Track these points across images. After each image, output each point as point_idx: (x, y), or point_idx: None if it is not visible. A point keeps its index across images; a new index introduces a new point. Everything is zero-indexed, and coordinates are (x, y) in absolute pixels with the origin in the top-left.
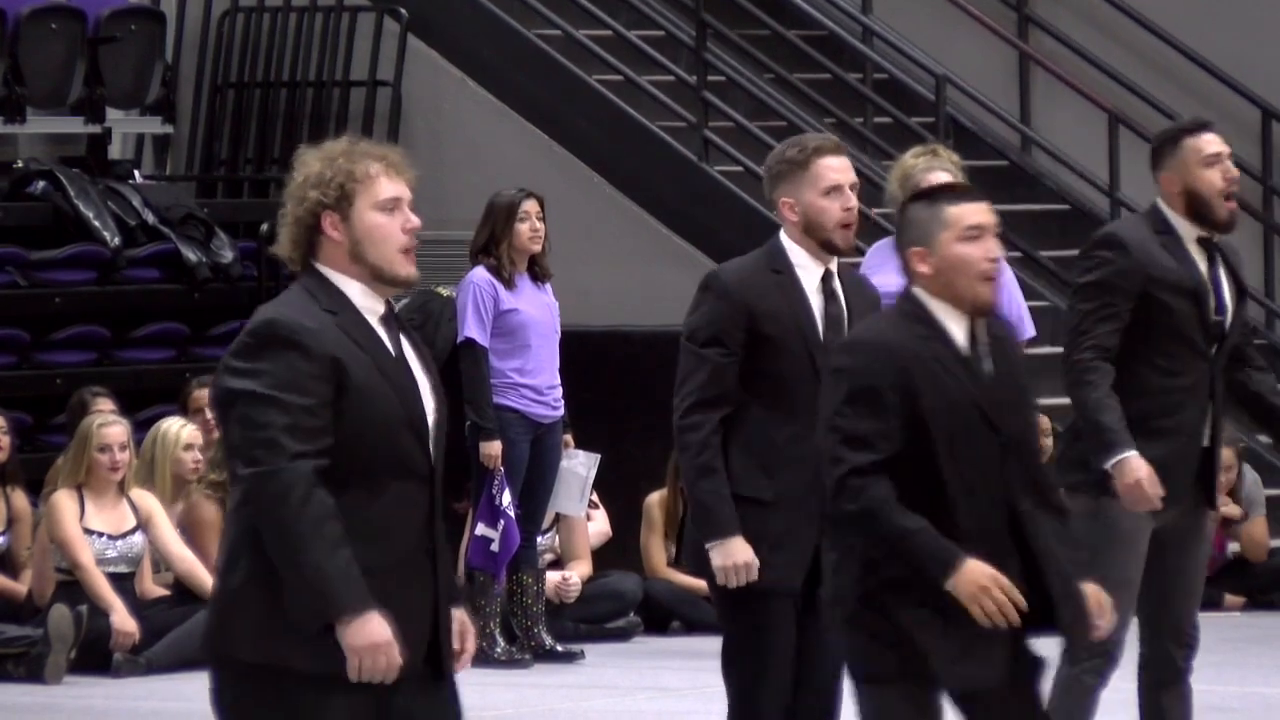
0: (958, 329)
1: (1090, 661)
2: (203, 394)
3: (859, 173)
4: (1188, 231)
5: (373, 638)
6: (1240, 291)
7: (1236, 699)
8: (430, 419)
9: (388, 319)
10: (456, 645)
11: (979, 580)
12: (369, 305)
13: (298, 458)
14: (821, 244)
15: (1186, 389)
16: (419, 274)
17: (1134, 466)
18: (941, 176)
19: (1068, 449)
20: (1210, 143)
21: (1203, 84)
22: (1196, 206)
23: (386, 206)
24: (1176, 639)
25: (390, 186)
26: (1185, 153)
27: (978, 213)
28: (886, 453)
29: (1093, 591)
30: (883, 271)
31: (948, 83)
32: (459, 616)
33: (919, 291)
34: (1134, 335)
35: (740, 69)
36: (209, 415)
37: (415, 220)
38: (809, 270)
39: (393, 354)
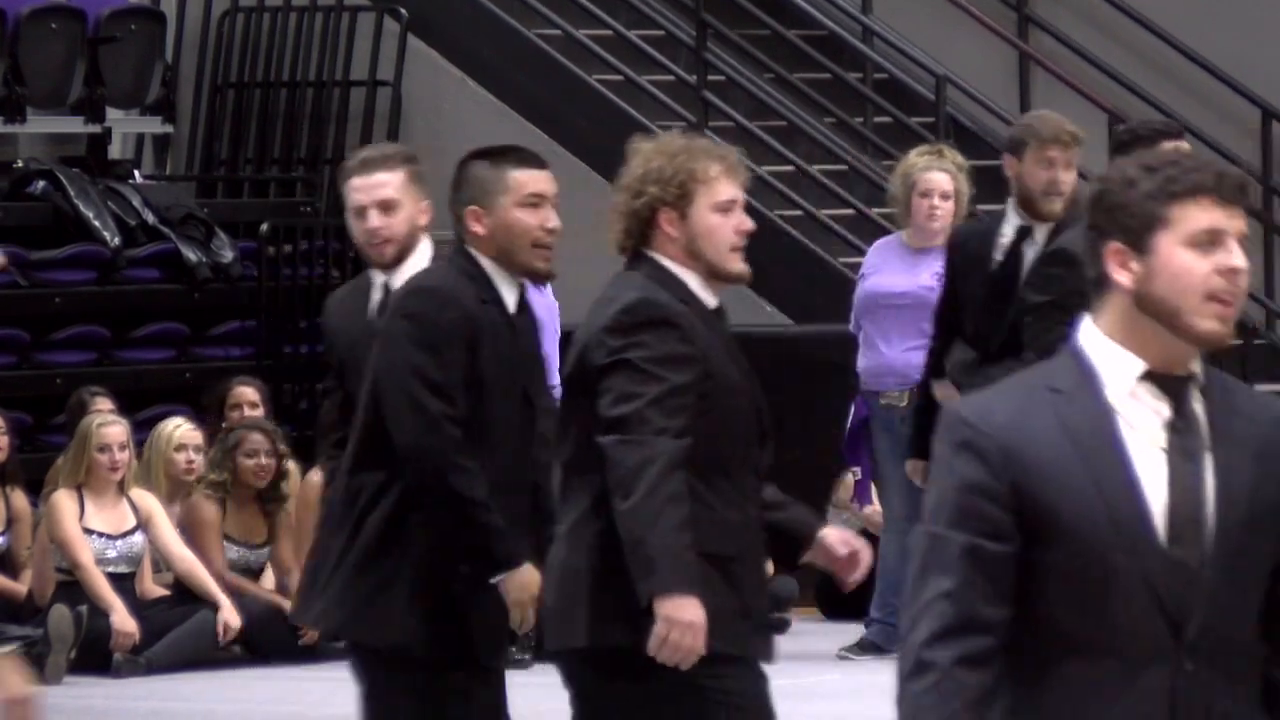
0: (509, 293)
1: None
2: (244, 390)
3: (858, 172)
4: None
5: (689, 616)
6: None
7: None
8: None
9: (720, 313)
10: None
11: (529, 588)
12: (706, 298)
13: (662, 433)
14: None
15: None
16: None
17: None
18: (939, 176)
19: None
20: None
21: (1203, 84)
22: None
23: (724, 207)
24: None
25: (729, 188)
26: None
27: (540, 181)
28: (462, 410)
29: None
30: (883, 271)
31: (948, 82)
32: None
33: (475, 251)
34: None
35: (740, 69)
36: (248, 413)
37: (749, 223)
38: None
39: (725, 349)
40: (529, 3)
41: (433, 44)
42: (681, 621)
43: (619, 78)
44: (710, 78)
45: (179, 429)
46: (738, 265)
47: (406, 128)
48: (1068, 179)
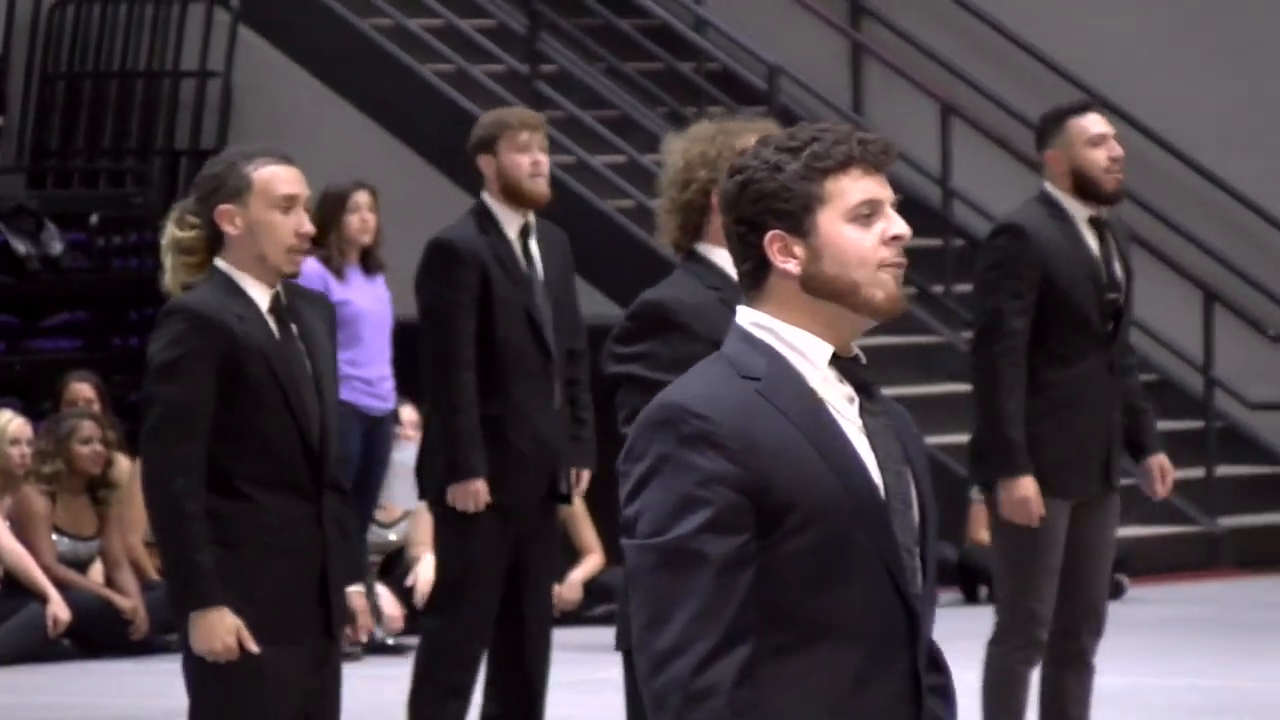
0: None
1: (1019, 652)
2: (80, 387)
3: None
4: (1079, 212)
5: None
6: (1129, 271)
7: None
8: None
9: None
10: None
11: None
12: None
13: None
14: None
15: (1084, 376)
16: None
17: (1026, 487)
18: None
19: (981, 445)
20: (1095, 123)
21: (1034, 72)
22: (1083, 184)
23: None
24: (1087, 618)
25: None
26: (1071, 133)
27: None
28: None
29: None
30: None
31: (781, 73)
32: None
33: None
34: (1034, 322)
35: (573, 59)
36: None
37: None
38: None
39: None
40: None
41: (264, 34)
42: None
43: (451, 68)
44: (543, 68)
45: (13, 422)
46: None
47: (238, 118)
48: None
